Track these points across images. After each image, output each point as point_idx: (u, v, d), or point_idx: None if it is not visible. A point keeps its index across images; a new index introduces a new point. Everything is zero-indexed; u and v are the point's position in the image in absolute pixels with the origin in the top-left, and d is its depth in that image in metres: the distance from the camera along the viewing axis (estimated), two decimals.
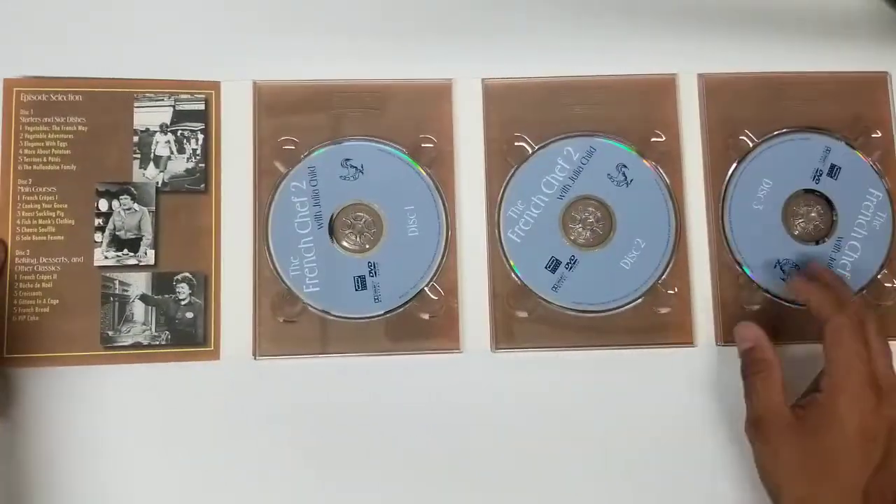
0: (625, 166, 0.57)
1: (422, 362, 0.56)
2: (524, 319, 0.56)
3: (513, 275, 0.56)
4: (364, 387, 0.56)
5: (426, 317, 0.56)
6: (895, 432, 0.48)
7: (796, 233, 0.57)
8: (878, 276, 0.57)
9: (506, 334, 0.56)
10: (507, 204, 0.57)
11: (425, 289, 0.56)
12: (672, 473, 0.56)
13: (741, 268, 0.56)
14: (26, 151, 0.55)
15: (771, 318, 0.56)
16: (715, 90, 0.58)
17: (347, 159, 0.57)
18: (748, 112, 0.58)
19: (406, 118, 0.58)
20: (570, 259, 0.56)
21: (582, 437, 0.56)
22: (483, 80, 0.58)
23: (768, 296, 0.56)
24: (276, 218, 0.56)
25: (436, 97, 0.58)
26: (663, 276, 0.56)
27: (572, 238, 0.56)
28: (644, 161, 0.57)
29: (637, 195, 0.57)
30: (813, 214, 0.57)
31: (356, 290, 0.55)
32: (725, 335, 0.56)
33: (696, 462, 0.56)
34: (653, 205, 0.57)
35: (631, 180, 0.57)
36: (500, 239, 0.57)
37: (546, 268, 0.56)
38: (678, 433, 0.56)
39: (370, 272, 0.56)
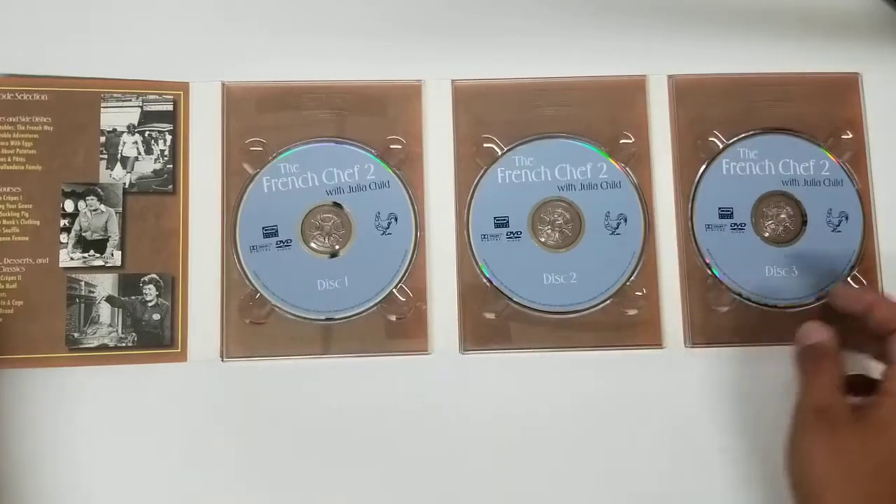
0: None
1: (390, 364, 0.56)
2: (492, 321, 0.56)
3: (481, 276, 0.56)
4: (333, 388, 0.56)
5: (394, 318, 0.55)
6: None
7: (766, 234, 0.57)
8: (848, 278, 0.57)
9: (474, 336, 0.56)
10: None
11: (394, 290, 0.56)
12: (642, 475, 0.55)
13: (709, 269, 0.56)
14: None
15: (740, 319, 0.56)
16: (685, 91, 0.58)
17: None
18: (718, 113, 0.58)
19: (375, 119, 0.57)
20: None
21: (550, 439, 0.56)
22: (453, 81, 0.58)
23: (737, 297, 0.56)
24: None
25: (405, 98, 0.58)
26: (632, 278, 0.56)
27: (542, 240, 0.56)
28: (613, 162, 0.57)
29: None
30: (783, 216, 0.57)
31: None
32: (695, 337, 0.56)
33: (667, 463, 0.55)
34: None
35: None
36: (469, 240, 0.57)
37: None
38: (647, 435, 0.56)
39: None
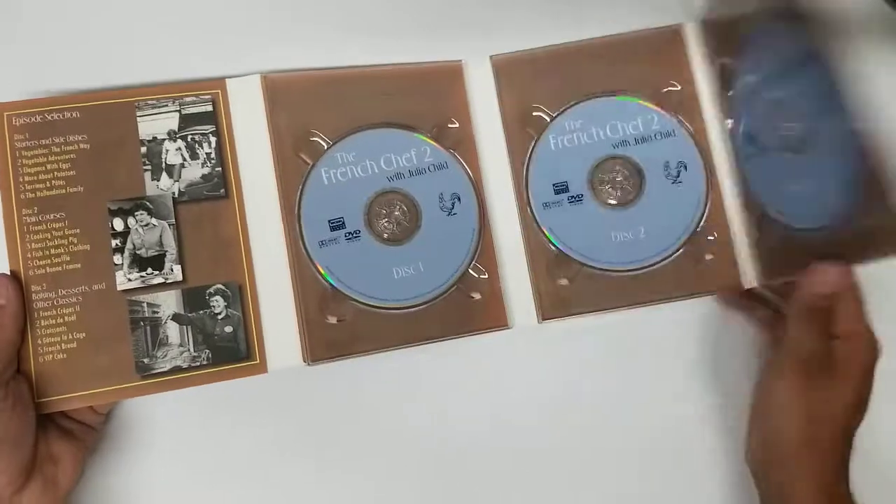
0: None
1: (475, 343, 0.54)
2: (566, 287, 0.55)
3: (549, 244, 0.55)
4: (424, 377, 0.55)
5: (478, 296, 0.54)
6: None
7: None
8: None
9: (551, 304, 0.55)
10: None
11: (469, 269, 0.54)
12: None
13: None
14: (27, 178, 0.50)
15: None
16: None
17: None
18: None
19: (422, 102, 0.56)
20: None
21: (638, 396, 0.56)
22: (491, 56, 0.57)
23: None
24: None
25: (449, 79, 0.56)
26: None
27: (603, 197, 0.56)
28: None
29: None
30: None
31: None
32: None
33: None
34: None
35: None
36: (532, 210, 0.56)
37: None
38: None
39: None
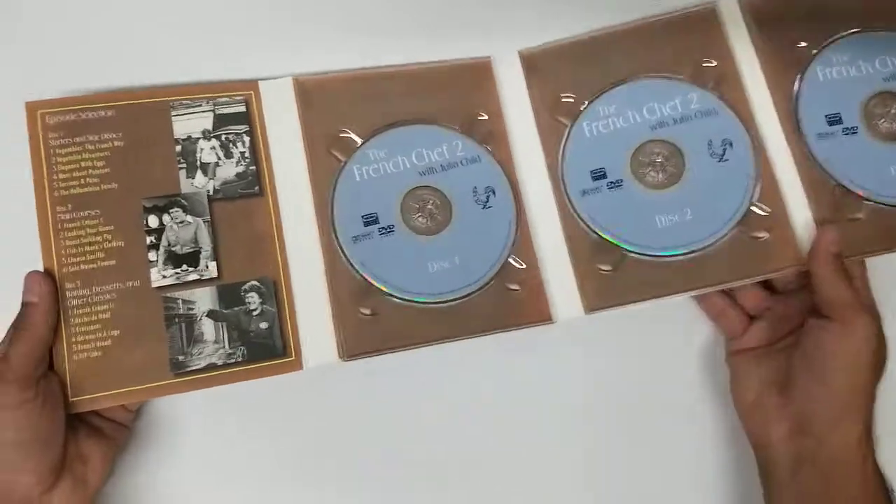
0: None
1: (517, 338, 0.52)
2: (611, 274, 0.53)
3: (588, 232, 0.54)
4: (461, 373, 0.53)
5: (516, 287, 0.52)
6: None
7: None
8: None
9: (596, 293, 0.53)
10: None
11: (508, 260, 0.53)
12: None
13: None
14: (61, 175, 0.50)
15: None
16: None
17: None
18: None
19: (454, 98, 0.56)
20: None
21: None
22: (520, 52, 0.57)
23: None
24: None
25: (478, 75, 0.56)
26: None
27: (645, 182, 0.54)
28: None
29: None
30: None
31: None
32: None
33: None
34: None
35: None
36: (569, 198, 0.54)
37: None
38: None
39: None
